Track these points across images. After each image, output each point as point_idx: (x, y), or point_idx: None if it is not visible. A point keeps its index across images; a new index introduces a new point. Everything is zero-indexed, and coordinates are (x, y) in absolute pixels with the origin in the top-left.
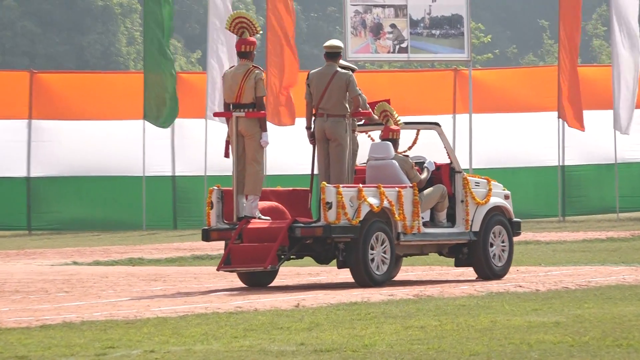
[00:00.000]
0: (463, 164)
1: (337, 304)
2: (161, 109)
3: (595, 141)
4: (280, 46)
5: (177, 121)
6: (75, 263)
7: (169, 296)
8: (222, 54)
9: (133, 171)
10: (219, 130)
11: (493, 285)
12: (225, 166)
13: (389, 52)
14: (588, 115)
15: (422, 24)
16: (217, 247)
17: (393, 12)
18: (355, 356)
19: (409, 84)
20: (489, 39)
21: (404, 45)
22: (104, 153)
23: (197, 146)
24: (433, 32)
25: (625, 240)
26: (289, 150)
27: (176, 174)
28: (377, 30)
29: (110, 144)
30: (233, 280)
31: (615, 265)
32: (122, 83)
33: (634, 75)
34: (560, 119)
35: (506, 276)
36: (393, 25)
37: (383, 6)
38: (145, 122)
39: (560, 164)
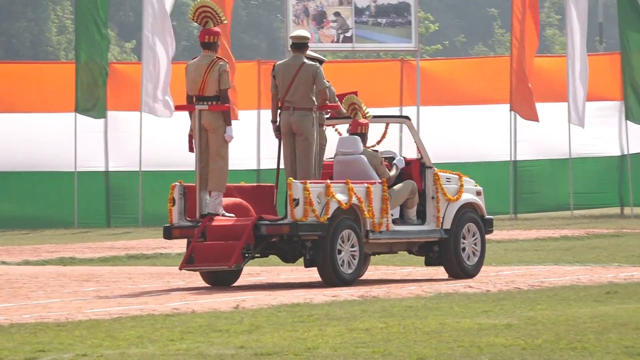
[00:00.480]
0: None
1: (278, 305)
2: (94, 100)
3: (549, 135)
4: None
5: (111, 114)
6: (3, 263)
7: (102, 297)
8: (158, 43)
9: (64, 166)
10: (155, 123)
11: (441, 286)
12: (160, 161)
13: (332, 41)
14: (541, 108)
15: (367, 12)
16: (152, 246)
17: None
18: None
19: (353, 74)
20: (437, 27)
21: (348, 34)
22: (33, 147)
23: (132, 140)
24: (379, 20)
25: (580, 239)
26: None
27: (109, 169)
28: (320, 19)
29: (40, 137)
30: (170, 280)
31: (569, 265)
32: (52, 73)
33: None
34: (512, 112)
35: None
36: (337, 14)
37: None
38: (77, 114)
39: (512, 158)
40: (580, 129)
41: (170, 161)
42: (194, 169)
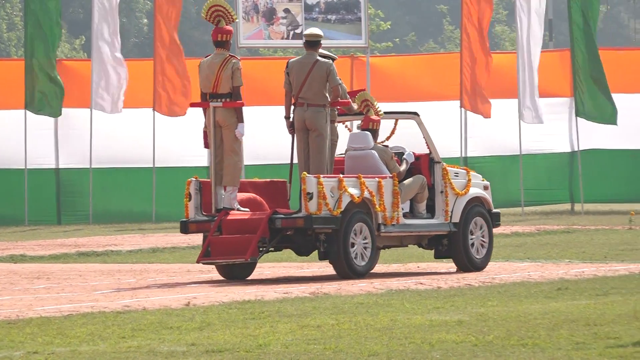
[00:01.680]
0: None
1: (229, 302)
2: (45, 98)
3: (499, 132)
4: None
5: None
6: None
7: (53, 295)
8: (108, 39)
9: (14, 163)
10: (105, 120)
11: (392, 283)
12: (110, 158)
13: (282, 38)
14: (491, 104)
15: (317, 9)
16: (103, 244)
17: None
18: (248, 357)
19: None
20: (389, 26)
21: (298, 30)
22: None
23: (82, 137)
24: (329, 17)
25: (531, 235)
26: (182, 140)
27: (60, 166)
28: (270, 16)
29: None
30: (120, 278)
31: (520, 262)
32: (2, 70)
33: (536, 62)
34: (462, 109)
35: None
36: (287, 10)
37: None
38: (27, 112)
39: (463, 155)
40: (530, 125)
41: (120, 158)
42: (145, 165)
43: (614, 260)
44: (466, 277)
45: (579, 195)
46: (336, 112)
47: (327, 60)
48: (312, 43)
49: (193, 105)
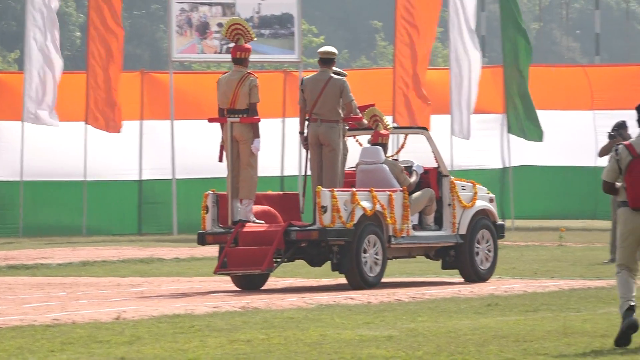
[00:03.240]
0: (292, 169)
1: (159, 316)
2: None
3: None
4: (104, 45)
5: None
6: None
7: None
8: (42, 51)
9: None
10: (37, 133)
11: (323, 297)
12: (41, 171)
13: (216, 52)
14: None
15: (251, 24)
16: (33, 257)
17: (220, 10)
18: None
19: None
20: (322, 40)
21: (231, 45)
22: None
23: (13, 150)
24: (262, 31)
25: None
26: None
27: None
28: (203, 30)
29: None
30: (50, 291)
31: (451, 277)
32: None
33: (474, 78)
34: (395, 124)
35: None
36: (220, 25)
37: (210, 4)
38: None
39: None
40: (463, 141)
41: (52, 171)
42: (77, 179)
43: (543, 276)
44: (396, 292)
45: (509, 212)
46: (347, 127)
47: (340, 77)
48: (326, 60)
49: (211, 120)
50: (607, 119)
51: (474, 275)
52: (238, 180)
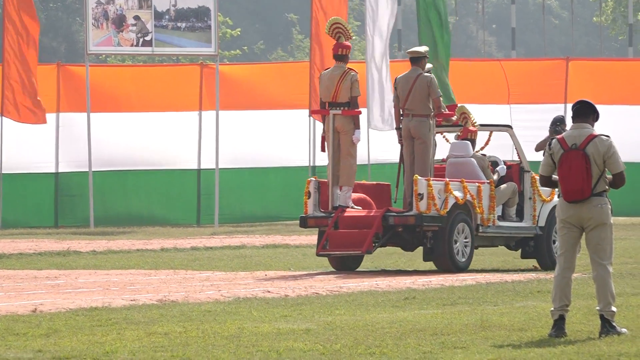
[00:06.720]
0: (208, 163)
1: (76, 309)
2: None
3: None
4: (20, 38)
5: None
6: None
7: None
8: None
9: None
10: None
11: (240, 291)
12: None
13: (132, 45)
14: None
15: (167, 16)
16: None
17: (137, 3)
18: None
19: (153, 79)
20: (238, 32)
21: (148, 38)
22: None
23: None
24: (179, 24)
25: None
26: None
27: None
28: (119, 22)
29: None
30: None
31: (366, 270)
32: None
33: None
34: (311, 117)
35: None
36: (137, 17)
37: None
38: None
39: (311, 164)
40: (380, 134)
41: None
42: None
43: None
44: (314, 285)
45: None
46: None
47: (428, 74)
48: (416, 59)
49: (314, 112)
50: (523, 113)
51: (551, 265)
52: (338, 169)
